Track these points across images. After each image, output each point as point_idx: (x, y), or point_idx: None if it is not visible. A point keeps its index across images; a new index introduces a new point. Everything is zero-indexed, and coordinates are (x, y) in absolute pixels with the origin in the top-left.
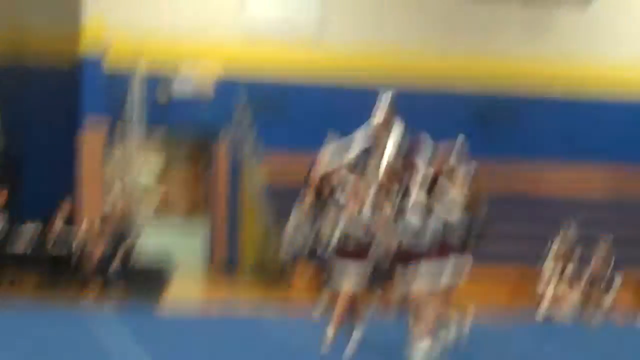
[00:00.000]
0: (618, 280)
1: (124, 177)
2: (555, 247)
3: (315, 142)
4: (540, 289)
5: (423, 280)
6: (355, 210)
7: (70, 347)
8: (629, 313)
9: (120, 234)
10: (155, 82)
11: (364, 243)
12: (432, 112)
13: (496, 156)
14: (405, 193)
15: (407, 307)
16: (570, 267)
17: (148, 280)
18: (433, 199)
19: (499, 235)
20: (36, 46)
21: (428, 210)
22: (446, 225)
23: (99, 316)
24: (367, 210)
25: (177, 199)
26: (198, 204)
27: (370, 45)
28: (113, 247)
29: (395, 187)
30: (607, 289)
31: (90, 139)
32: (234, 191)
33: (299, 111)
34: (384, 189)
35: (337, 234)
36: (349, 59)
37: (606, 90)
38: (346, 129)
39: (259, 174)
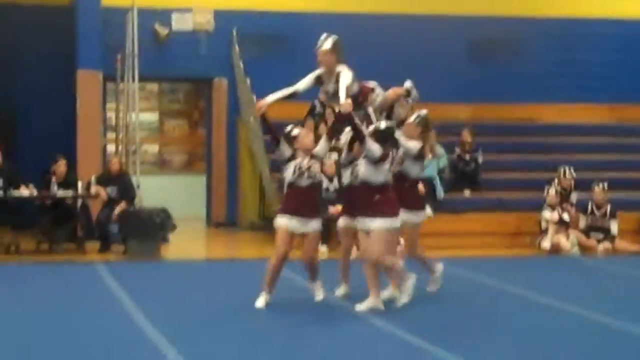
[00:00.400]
0: (615, 224)
1: (123, 120)
2: (552, 191)
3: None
4: (539, 236)
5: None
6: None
7: (77, 299)
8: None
9: (119, 187)
10: (153, 18)
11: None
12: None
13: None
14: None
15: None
16: (567, 212)
17: (147, 236)
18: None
19: (495, 181)
20: None
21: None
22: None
23: (101, 269)
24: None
25: (175, 153)
26: (196, 159)
27: None
28: (112, 201)
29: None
30: (605, 232)
31: (87, 80)
32: (232, 142)
33: (299, 47)
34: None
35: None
36: None
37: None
38: (348, 65)
39: (257, 120)
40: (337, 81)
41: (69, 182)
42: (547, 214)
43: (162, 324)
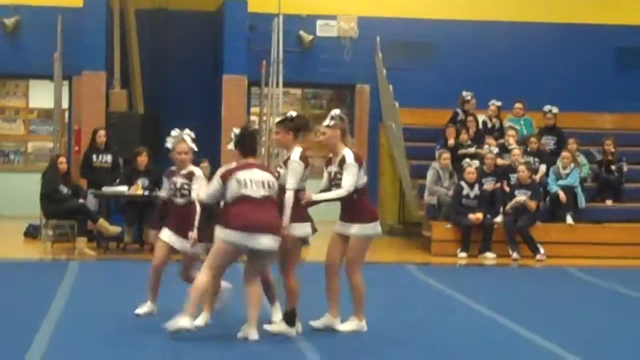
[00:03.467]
0: None
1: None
2: None
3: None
4: None
5: None
6: None
7: None
8: None
9: None
10: (298, 25)
11: None
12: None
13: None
14: None
15: None
16: None
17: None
18: None
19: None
20: None
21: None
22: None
23: None
24: None
25: (316, 157)
26: None
27: None
28: None
29: None
30: None
31: (233, 84)
32: (373, 147)
33: (441, 55)
34: None
35: None
36: (492, 4)
37: None
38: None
39: (398, 125)
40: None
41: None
42: None
43: None
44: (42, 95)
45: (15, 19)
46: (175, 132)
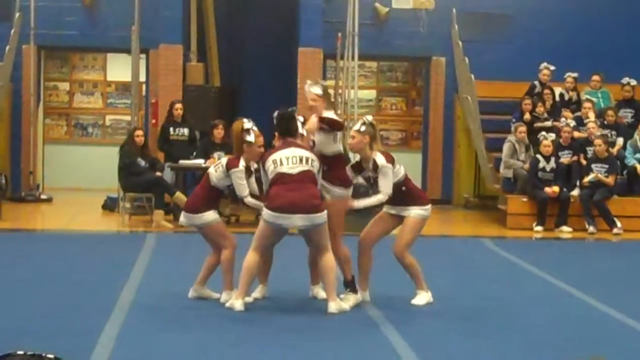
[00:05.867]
0: None
1: (342, 97)
2: None
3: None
4: None
5: None
6: None
7: None
8: None
9: None
10: None
11: None
12: None
13: None
14: None
15: None
16: None
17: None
18: None
19: None
20: None
21: None
22: None
23: None
24: None
25: (391, 130)
26: (412, 136)
27: None
28: None
29: None
30: None
31: (308, 57)
32: (449, 120)
33: (518, 27)
34: None
35: None
36: None
37: None
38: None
39: (474, 98)
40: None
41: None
42: None
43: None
44: (119, 68)
45: None
46: (249, 124)
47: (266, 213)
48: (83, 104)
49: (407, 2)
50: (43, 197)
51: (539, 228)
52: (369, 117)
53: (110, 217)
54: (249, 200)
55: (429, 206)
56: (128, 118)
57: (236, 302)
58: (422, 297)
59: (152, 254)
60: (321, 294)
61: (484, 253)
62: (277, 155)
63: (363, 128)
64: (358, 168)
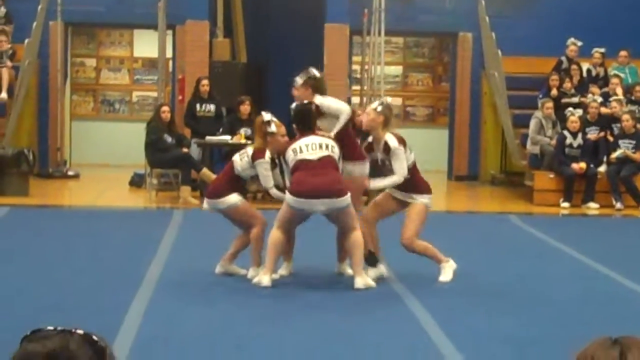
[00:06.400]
0: None
1: (368, 73)
2: None
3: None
4: None
5: None
6: None
7: None
8: None
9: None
10: None
11: None
12: None
13: None
14: None
15: None
16: None
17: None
18: None
19: None
20: None
21: None
22: None
23: None
24: None
25: (418, 106)
26: (439, 112)
27: None
28: None
29: None
30: None
31: (335, 33)
32: (475, 97)
33: (545, 3)
34: None
35: None
36: None
37: None
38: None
39: (501, 73)
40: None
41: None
42: None
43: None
44: (146, 44)
45: None
46: (269, 116)
47: (290, 198)
48: (110, 80)
49: None
50: (70, 173)
51: (566, 204)
52: (388, 99)
53: (138, 193)
54: (274, 192)
55: (429, 195)
56: (155, 94)
57: (264, 277)
58: (448, 271)
59: (179, 230)
60: (348, 270)
61: (510, 229)
62: (296, 145)
63: (380, 108)
64: (368, 149)
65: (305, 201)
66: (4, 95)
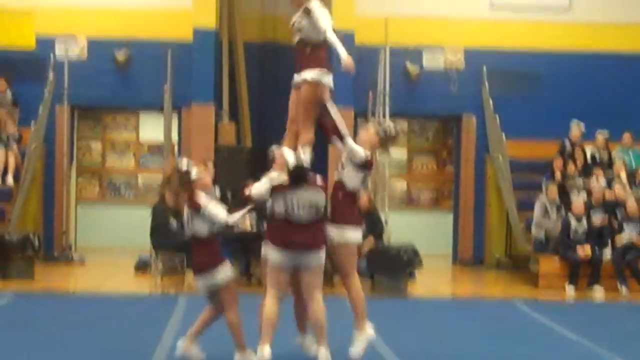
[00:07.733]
0: None
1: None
2: None
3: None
4: None
5: None
6: None
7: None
8: None
9: (368, 223)
10: (404, 57)
11: None
12: None
13: None
14: None
15: None
16: None
17: (394, 272)
18: None
19: None
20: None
21: None
22: None
23: None
24: None
25: (422, 190)
26: (443, 196)
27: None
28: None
29: None
30: None
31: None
32: (480, 179)
33: (548, 86)
34: None
35: None
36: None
37: None
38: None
39: (505, 157)
40: (306, 13)
41: None
42: None
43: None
44: (152, 128)
45: (126, 53)
46: (186, 164)
47: (269, 247)
48: (116, 164)
49: (438, 62)
50: (75, 258)
51: (571, 287)
52: (392, 125)
53: (143, 278)
54: (234, 217)
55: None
56: (160, 178)
57: (264, 348)
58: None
59: (184, 316)
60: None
61: (515, 315)
62: (290, 195)
63: (379, 128)
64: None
65: (284, 251)
66: (10, 180)
